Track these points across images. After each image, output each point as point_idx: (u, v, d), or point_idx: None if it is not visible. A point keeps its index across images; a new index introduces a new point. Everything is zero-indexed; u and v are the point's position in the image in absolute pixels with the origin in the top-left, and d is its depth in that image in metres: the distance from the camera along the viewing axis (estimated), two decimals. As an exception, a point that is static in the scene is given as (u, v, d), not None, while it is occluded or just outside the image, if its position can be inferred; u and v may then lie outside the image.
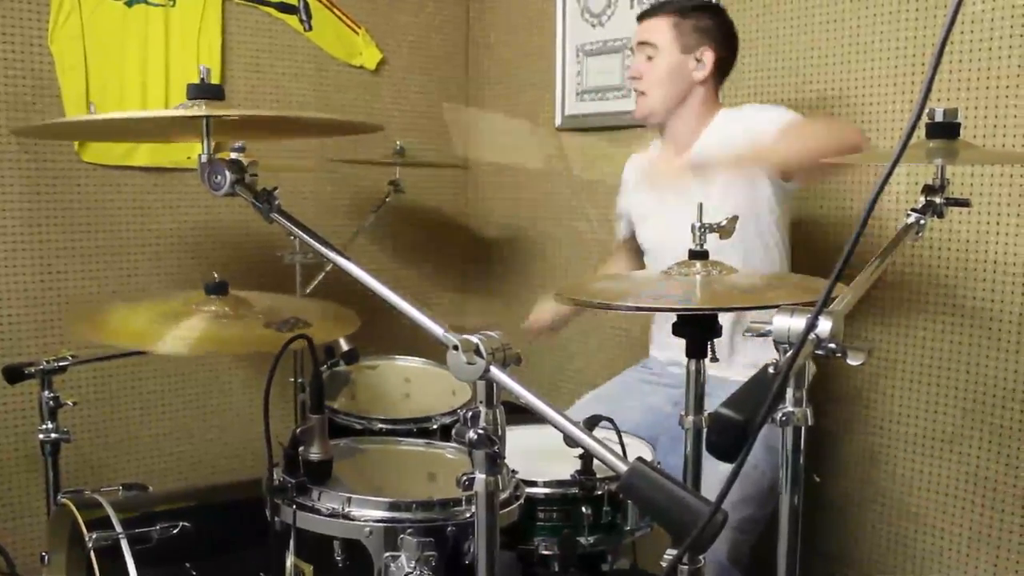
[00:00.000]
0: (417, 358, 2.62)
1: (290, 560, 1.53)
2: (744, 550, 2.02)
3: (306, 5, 2.48)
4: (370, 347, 2.57)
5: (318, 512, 1.47)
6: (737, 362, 2.15)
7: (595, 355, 3.14)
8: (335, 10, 3.12)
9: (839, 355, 1.06)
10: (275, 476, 1.54)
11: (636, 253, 2.52)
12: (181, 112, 1.27)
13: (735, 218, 1.54)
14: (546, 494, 1.67)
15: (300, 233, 1.28)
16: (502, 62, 3.43)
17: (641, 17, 2.33)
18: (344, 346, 2.48)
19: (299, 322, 1.58)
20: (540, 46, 3.23)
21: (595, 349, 3.14)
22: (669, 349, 2.34)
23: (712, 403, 1.37)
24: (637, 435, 1.95)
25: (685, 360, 1.46)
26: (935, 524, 2.29)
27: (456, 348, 1.12)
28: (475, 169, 3.53)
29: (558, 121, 3.18)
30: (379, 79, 3.28)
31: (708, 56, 2.23)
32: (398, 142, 2.88)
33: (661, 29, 2.24)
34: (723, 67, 2.28)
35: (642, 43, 2.27)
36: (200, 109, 1.27)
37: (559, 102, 3.17)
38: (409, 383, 2.59)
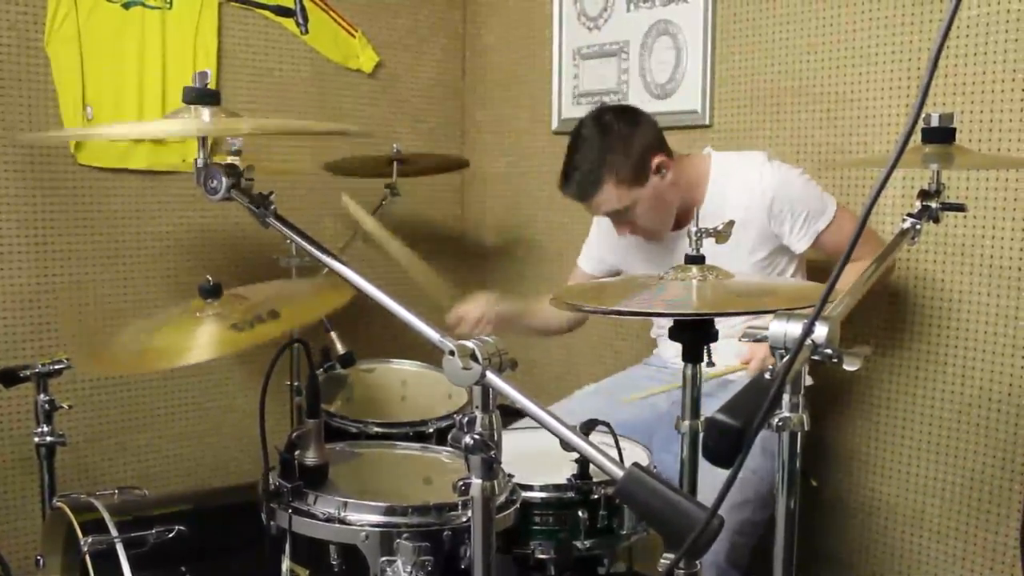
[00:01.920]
0: (413, 361, 2.62)
1: (286, 564, 1.53)
2: (743, 552, 2.02)
3: (303, 8, 2.47)
4: (366, 350, 2.58)
5: (314, 516, 1.47)
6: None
7: (599, 356, 3.14)
8: (331, 13, 3.12)
9: (835, 360, 1.06)
10: (271, 480, 1.54)
11: None
12: (178, 129, 1.27)
13: (731, 223, 1.54)
14: (542, 498, 1.67)
15: (296, 238, 1.28)
16: (498, 66, 3.44)
17: (576, 198, 2.16)
18: (340, 349, 2.48)
19: (268, 315, 1.57)
20: (536, 50, 3.23)
21: (599, 350, 3.14)
22: (671, 346, 2.34)
23: (709, 402, 1.38)
24: (632, 434, 1.95)
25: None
26: (932, 527, 2.29)
27: (452, 353, 1.12)
28: (472, 173, 3.53)
29: (554, 125, 3.18)
30: (376, 82, 3.28)
31: (660, 159, 2.12)
32: (395, 145, 2.87)
33: (611, 198, 2.10)
34: (666, 149, 2.17)
35: (607, 214, 2.17)
36: (197, 114, 1.27)
37: (555, 106, 3.17)
38: (405, 386, 2.59)
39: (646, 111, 2.20)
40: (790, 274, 2.22)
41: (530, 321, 2.43)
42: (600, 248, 2.46)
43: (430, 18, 3.42)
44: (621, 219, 2.17)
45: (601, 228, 2.45)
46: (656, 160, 2.11)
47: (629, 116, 2.14)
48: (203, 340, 1.56)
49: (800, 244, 2.14)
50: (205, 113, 1.30)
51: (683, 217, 2.20)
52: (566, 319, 2.46)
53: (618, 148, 2.08)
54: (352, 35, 3.18)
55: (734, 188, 2.15)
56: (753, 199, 2.11)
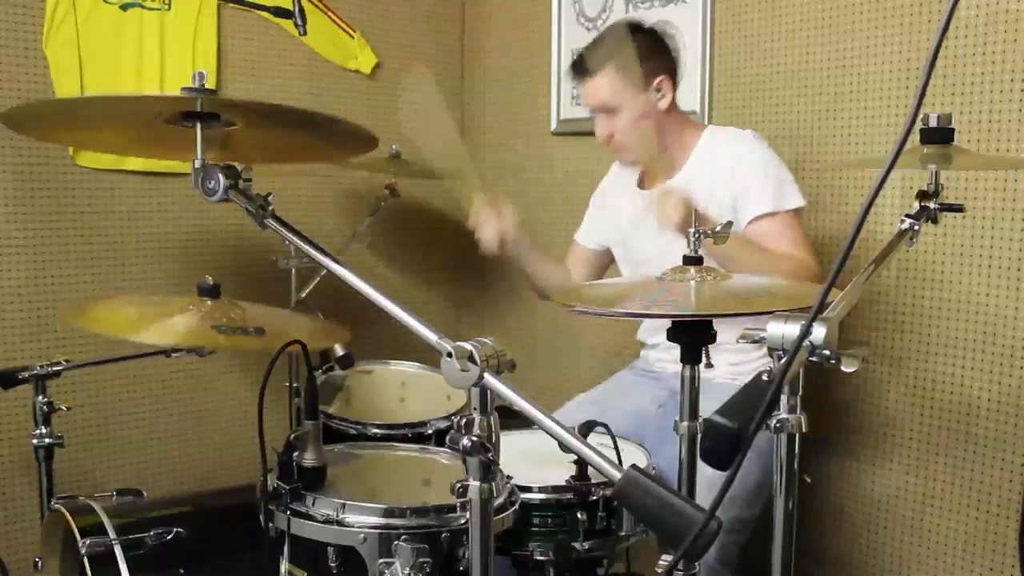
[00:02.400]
0: (412, 363, 2.62)
1: (284, 566, 1.53)
2: (733, 551, 2.02)
3: (301, 9, 2.47)
4: (365, 352, 2.57)
5: (312, 518, 1.47)
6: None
7: (595, 356, 3.14)
8: (330, 14, 3.12)
9: (833, 362, 1.06)
10: (269, 482, 1.53)
11: (593, 265, 2.51)
12: (174, 94, 1.27)
13: (729, 223, 1.54)
14: (541, 500, 1.67)
15: (294, 239, 1.28)
16: (497, 66, 3.43)
17: (579, 75, 2.20)
18: (339, 351, 2.47)
19: (255, 330, 1.58)
20: (535, 50, 3.23)
21: (595, 350, 3.14)
22: (657, 348, 2.35)
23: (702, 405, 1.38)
24: (626, 438, 1.95)
25: (670, 355, 1.46)
26: (929, 529, 2.29)
27: (450, 355, 1.12)
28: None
29: (553, 125, 3.18)
30: (375, 83, 3.28)
31: (666, 84, 2.17)
32: (394, 146, 2.87)
33: (608, 85, 2.15)
34: (678, 81, 2.23)
35: (596, 107, 2.19)
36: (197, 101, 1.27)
37: (554, 106, 3.17)
38: (404, 388, 2.59)
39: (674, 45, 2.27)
40: None
41: (535, 268, 2.38)
42: (598, 223, 2.49)
43: (429, 19, 3.42)
44: (605, 117, 2.19)
45: (597, 201, 2.51)
46: (660, 79, 2.16)
47: (658, 36, 2.23)
48: (178, 327, 1.61)
49: (749, 211, 2.09)
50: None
51: (664, 173, 2.23)
52: (560, 283, 2.44)
53: (636, 48, 2.13)
54: (351, 36, 3.18)
55: (716, 155, 2.17)
56: (721, 165, 2.14)
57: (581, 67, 2.21)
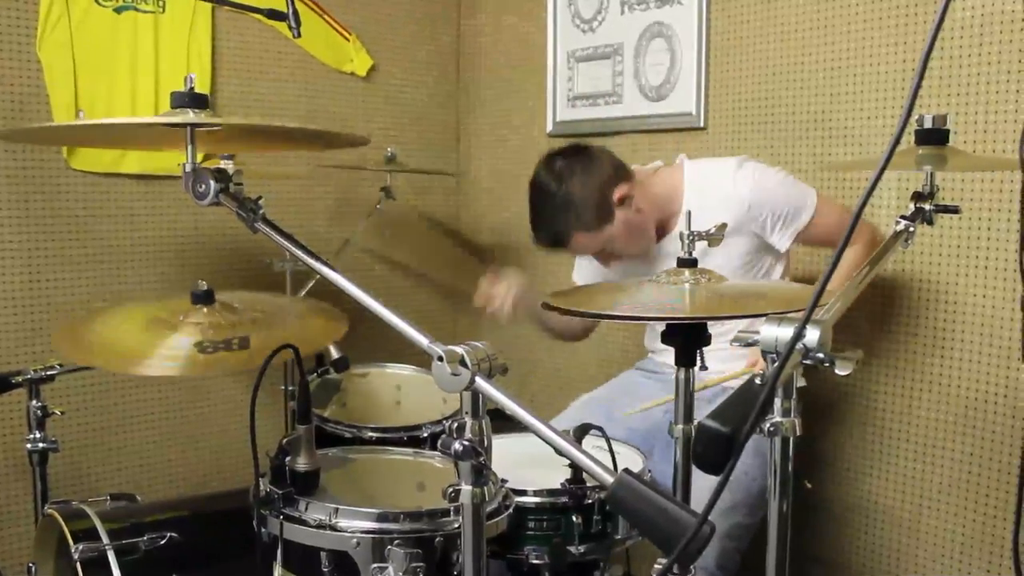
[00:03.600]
0: (408, 366, 2.61)
1: (277, 571, 1.52)
2: (734, 557, 2.01)
3: (295, 12, 2.46)
4: (360, 355, 2.56)
5: (305, 523, 1.46)
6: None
7: (595, 358, 3.13)
8: (325, 16, 3.11)
9: (827, 365, 1.05)
10: (262, 487, 1.53)
11: None
12: (162, 120, 1.26)
13: (723, 225, 1.54)
14: (536, 503, 1.66)
15: (285, 243, 1.28)
16: (493, 68, 3.43)
17: (558, 249, 2.19)
18: (334, 354, 2.46)
19: (239, 342, 1.58)
20: (531, 52, 3.23)
21: (595, 352, 3.13)
22: (663, 352, 2.34)
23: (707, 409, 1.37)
24: (631, 442, 1.94)
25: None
26: (926, 531, 2.29)
27: (441, 359, 1.11)
28: (467, 175, 3.52)
29: (549, 127, 3.18)
30: (370, 85, 3.27)
31: (623, 190, 2.11)
32: (389, 148, 2.87)
33: (586, 242, 2.14)
34: (630, 172, 2.19)
35: (586, 256, 2.23)
36: (183, 116, 1.26)
37: (550, 108, 3.17)
38: (400, 391, 2.59)
39: (595, 145, 2.20)
40: (777, 273, 2.22)
41: (549, 318, 2.37)
42: (591, 267, 2.42)
43: (425, 21, 3.42)
44: (602, 255, 2.21)
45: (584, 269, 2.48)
46: (618, 194, 2.11)
47: (581, 157, 2.13)
48: (165, 353, 1.59)
49: (782, 243, 2.15)
50: (193, 117, 1.29)
51: (665, 225, 2.22)
52: (580, 326, 2.47)
53: (576, 197, 2.08)
54: (346, 38, 3.18)
55: (710, 197, 2.13)
56: (730, 207, 2.10)
57: (555, 244, 2.16)
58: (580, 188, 2.09)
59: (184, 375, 1.74)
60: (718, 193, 2.13)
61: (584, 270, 2.46)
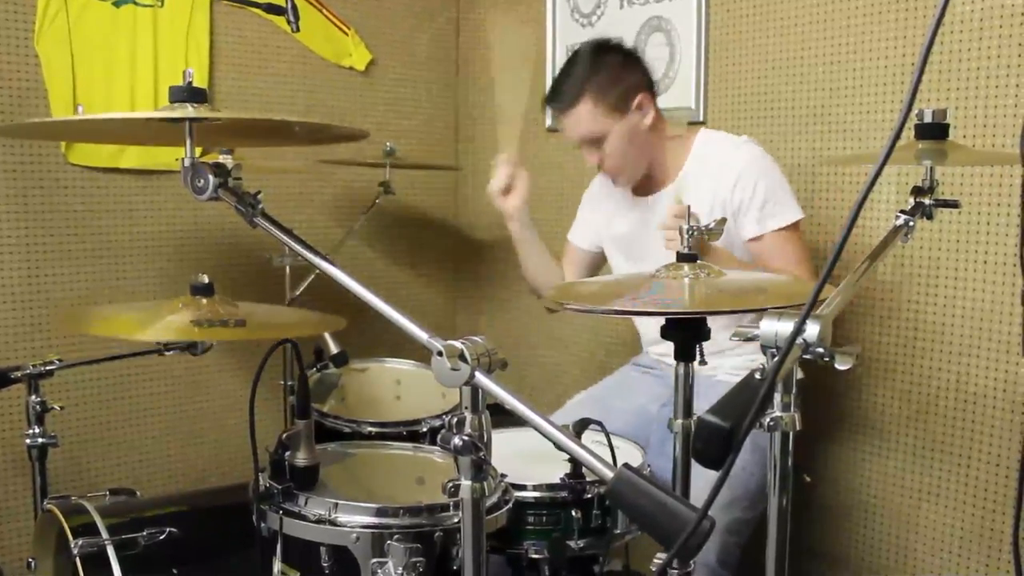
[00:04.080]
0: (407, 360, 2.61)
1: (277, 566, 1.52)
2: (734, 552, 2.01)
3: (294, 6, 2.46)
4: (360, 350, 2.56)
5: (304, 518, 1.47)
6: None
7: (591, 353, 3.13)
8: (324, 11, 3.10)
9: (827, 359, 1.05)
10: (261, 482, 1.53)
11: (586, 265, 2.50)
12: (161, 114, 1.26)
13: (723, 220, 1.54)
14: (535, 498, 1.67)
15: (284, 237, 1.27)
16: (492, 62, 3.42)
17: (556, 109, 2.17)
18: (333, 348, 2.47)
19: (235, 322, 1.58)
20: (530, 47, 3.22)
21: (591, 346, 3.14)
22: (659, 343, 2.34)
23: (700, 403, 1.37)
24: (628, 437, 1.94)
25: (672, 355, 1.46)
26: (926, 525, 2.29)
27: (440, 354, 1.11)
28: (466, 170, 3.52)
29: (548, 122, 3.17)
30: (369, 80, 3.27)
31: (645, 101, 2.12)
32: (388, 143, 2.86)
33: (588, 116, 2.09)
34: (657, 92, 2.19)
35: (580, 139, 2.14)
36: (182, 111, 1.26)
37: (549, 103, 3.16)
38: (399, 385, 2.59)
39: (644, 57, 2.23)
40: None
41: (535, 255, 2.38)
42: (589, 222, 2.46)
43: (424, 15, 3.41)
44: (591, 147, 2.15)
45: (590, 202, 2.48)
46: (640, 99, 2.12)
47: (628, 52, 2.18)
48: (159, 325, 1.61)
49: (749, 228, 2.07)
50: (191, 112, 1.29)
51: (659, 181, 2.22)
52: (557, 279, 2.44)
53: (607, 72, 2.09)
54: (344, 33, 3.17)
55: (709, 163, 2.14)
56: (722, 175, 2.10)
57: (557, 100, 2.14)
58: (615, 68, 2.11)
59: (179, 339, 1.77)
60: (716, 160, 2.13)
61: (583, 224, 2.48)
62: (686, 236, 1.49)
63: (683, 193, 2.08)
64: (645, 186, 2.27)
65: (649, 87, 2.16)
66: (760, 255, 2.08)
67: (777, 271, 2.01)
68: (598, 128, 2.10)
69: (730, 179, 2.08)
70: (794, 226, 2.08)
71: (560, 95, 2.14)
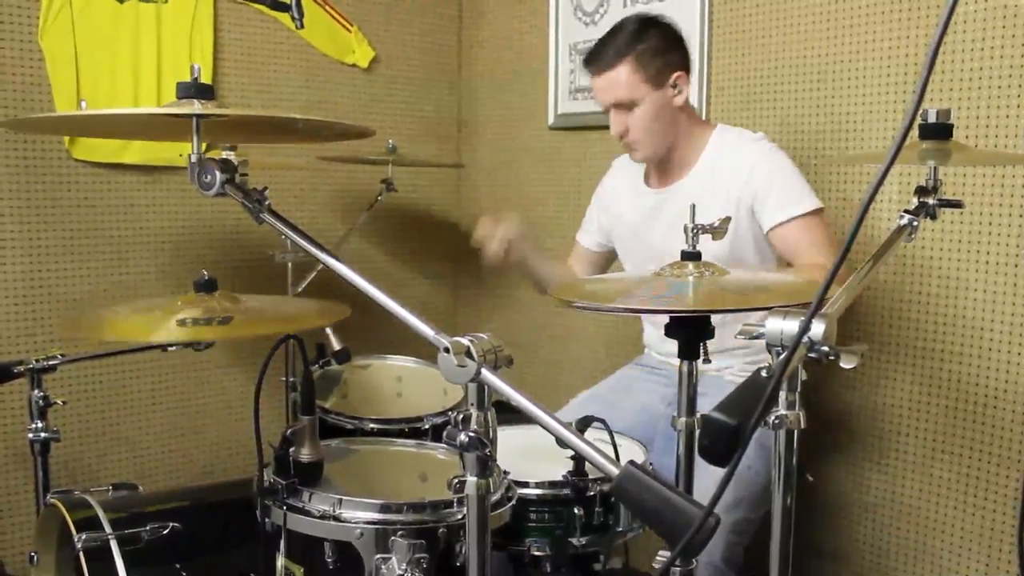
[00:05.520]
0: (409, 357, 2.61)
1: (280, 562, 1.53)
2: (739, 552, 2.02)
3: (298, 3, 2.47)
4: (362, 346, 2.57)
5: (309, 514, 1.47)
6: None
7: (592, 351, 3.14)
8: (327, 8, 3.10)
9: (832, 358, 1.06)
10: (265, 477, 1.53)
11: (595, 264, 2.50)
12: (171, 110, 1.26)
13: (727, 219, 1.54)
14: (538, 495, 1.67)
15: (291, 234, 1.27)
16: (495, 61, 3.42)
17: (594, 70, 2.14)
18: (336, 345, 2.47)
19: (219, 320, 1.58)
20: (533, 45, 3.22)
21: (593, 345, 3.14)
22: (663, 344, 2.34)
23: (705, 402, 1.38)
24: (631, 435, 1.94)
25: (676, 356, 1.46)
26: (931, 523, 2.29)
27: (447, 350, 1.11)
28: (468, 168, 3.52)
29: (550, 120, 3.17)
30: (372, 77, 3.27)
31: (682, 79, 2.13)
32: (391, 140, 2.87)
33: (624, 80, 2.08)
34: (690, 77, 2.20)
35: (612, 102, 2.13)
36: (189, 107, 1.26)
37: (551, 101, 3.16)
38: (401, 382, 2.59)
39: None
40: (750, 258, 2.16)
41: (540, 271, 2.35)
42: (601, 222, 2.46)
43: (426, 13, 3.41)
44: (620, 112, 2.14)
45: (599, 201, 2.48)
46: (677, 76, 2.13)
47: (673, 30, 2.18)
48: (151, 327, 1.62)
49: (769, 217, 2.07)
50: (199, 108, 1.29)
51: (675, 172, 2.22)
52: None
53: (652, 42, 2.10)
54: (348, 30, 3.17)
55: (725, 156, 2.15)
56: (736, 168, 2.11)
57: (597, 60, 2.13)
58: (660, 40, 2.12)
59: (160, 341, 1.77)
60: (732, 154, 2.14)
61: (592, 224, 2.48)
62: (691, 235, 1.49)
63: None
64: (660, 176, 2.27)
65: (687, 69, 2.17)
66: (786, 243, 2.07)
67: (808, 263, 1.99)
68: (633, 94, 2.10)
69: (744, 172, 2.09)
70: (816, 213, 2.08)
71: (601, 56, 2.13)
